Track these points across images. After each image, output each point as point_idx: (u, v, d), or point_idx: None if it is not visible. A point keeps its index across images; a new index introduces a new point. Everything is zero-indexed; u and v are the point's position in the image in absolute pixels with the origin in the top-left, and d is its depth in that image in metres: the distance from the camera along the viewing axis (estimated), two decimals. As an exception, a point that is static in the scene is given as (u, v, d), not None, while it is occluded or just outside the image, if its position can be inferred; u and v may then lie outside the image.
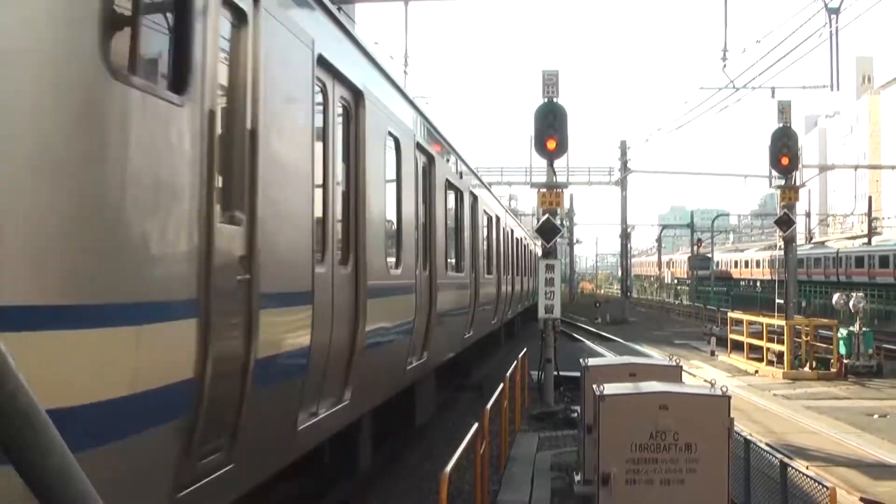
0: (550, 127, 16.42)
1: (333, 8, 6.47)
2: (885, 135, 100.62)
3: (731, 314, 29.47)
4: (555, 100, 16.52)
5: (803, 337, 23.57)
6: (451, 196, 13.09)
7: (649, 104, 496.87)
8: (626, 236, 58.35)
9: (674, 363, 9.48)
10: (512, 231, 25.72)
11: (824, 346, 23.93)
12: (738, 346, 26.68)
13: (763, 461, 8.96)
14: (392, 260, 8.50)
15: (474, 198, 15.83)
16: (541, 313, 16.92)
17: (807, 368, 22.81)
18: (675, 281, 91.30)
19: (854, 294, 25.99)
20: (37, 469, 1.65)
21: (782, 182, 23.96)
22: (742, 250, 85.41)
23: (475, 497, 8.30)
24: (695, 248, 74.26)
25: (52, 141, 3.13)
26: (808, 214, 70.80)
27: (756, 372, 23.86)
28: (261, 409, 4.70)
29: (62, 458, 1.69)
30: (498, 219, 21.15)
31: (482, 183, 18.71)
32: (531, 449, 12.29)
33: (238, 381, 4.42)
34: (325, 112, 6.33)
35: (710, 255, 74.20)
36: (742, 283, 75.12)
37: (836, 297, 27.25)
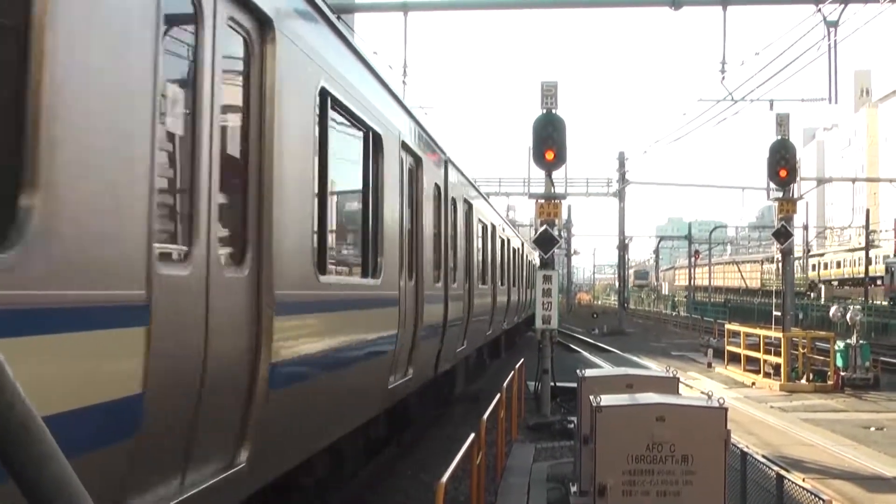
0: (549, 138, 16.35)
1: None
2: (882, 148, 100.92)
3: (728, 326, 29.42)
4: (553, 111, 16.46)
5: (800, 349, 23.55)
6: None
7: (648, 116, 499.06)
8: (623, 247, 58.37)
9: (671, 374, 9.48)
10: (509, 240, 25.49)
11: (821, 358, 23.91)
12: (735, 358, 26.64)
13: (759, 473, 8.94)
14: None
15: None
16: (538, 324, 16.89)
17: (804, 381, 22.76)
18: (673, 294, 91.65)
19: (851, 307, 25.95)
20: (33, 479, 1.64)
21: (780, 194, 23.97)
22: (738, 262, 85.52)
23: (471, 508, 8.27)
24: (692, 259, 74.81)
25: None
26: (805, 227, 70.86)
27: (753, 384, 23.81)
28: None
29: (59, 468, 1.67)
30: (494, 227, 20.76)
31: (477, 190, 18.22)
32: (527, 460, 12.25)
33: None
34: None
35: (648, 270, 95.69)
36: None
37: (833, 309, 27.20)
